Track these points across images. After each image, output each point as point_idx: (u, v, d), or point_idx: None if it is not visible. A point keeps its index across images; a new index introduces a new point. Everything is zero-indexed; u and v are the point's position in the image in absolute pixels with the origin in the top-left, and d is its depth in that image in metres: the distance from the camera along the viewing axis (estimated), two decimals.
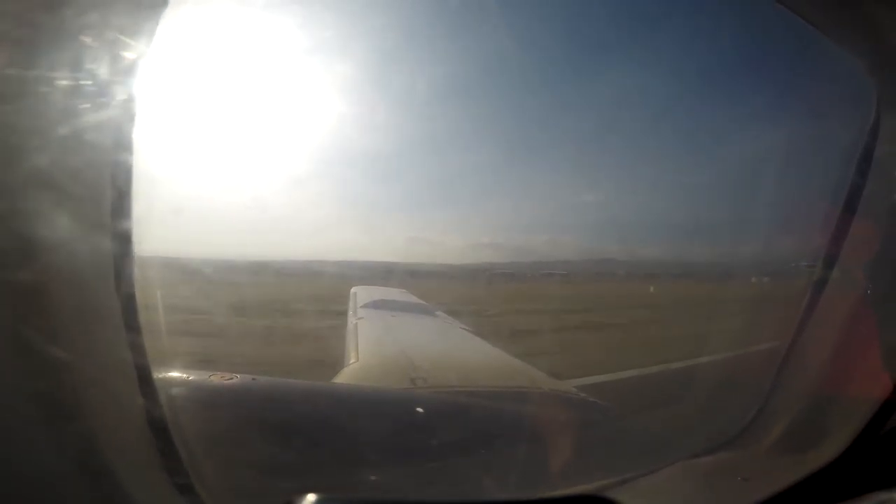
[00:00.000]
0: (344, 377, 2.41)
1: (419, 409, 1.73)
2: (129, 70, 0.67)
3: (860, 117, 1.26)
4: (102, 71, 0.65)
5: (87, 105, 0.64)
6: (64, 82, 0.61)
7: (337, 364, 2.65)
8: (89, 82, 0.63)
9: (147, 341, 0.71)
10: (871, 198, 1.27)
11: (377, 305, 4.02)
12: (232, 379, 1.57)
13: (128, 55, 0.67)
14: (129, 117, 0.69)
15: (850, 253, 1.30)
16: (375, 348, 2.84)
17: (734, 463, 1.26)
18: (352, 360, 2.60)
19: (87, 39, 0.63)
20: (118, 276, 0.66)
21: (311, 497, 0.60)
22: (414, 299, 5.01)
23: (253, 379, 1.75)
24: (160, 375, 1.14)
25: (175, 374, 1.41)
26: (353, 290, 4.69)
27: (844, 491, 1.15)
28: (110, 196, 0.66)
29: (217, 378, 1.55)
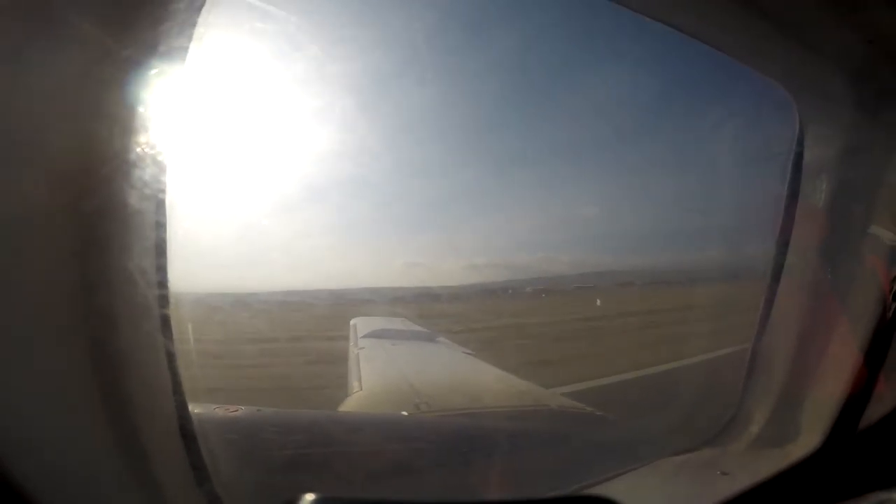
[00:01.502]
0: (348, 407, 2.45)
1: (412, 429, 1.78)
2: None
3: (788, 130, 1.44)
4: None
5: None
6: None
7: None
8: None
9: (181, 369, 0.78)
10: (807, 196, 1.40)
11: (377, 335, 4.05)
12: (237, 411, 1.63)
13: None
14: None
15: (797, 248, 1.41)
16: (378, 377, 2.87)
17: (714, 459, 1.32)
18: (356, 390, 2.64)
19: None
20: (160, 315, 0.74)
21: (310, 497, 0.60)
22: (414, 327, 5.04)
23: (258, 410, 1.81)
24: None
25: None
26: (352, 321, 4.72)
27: (828, 483, 1.21)
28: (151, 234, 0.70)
29: (221, 410, 1.61)
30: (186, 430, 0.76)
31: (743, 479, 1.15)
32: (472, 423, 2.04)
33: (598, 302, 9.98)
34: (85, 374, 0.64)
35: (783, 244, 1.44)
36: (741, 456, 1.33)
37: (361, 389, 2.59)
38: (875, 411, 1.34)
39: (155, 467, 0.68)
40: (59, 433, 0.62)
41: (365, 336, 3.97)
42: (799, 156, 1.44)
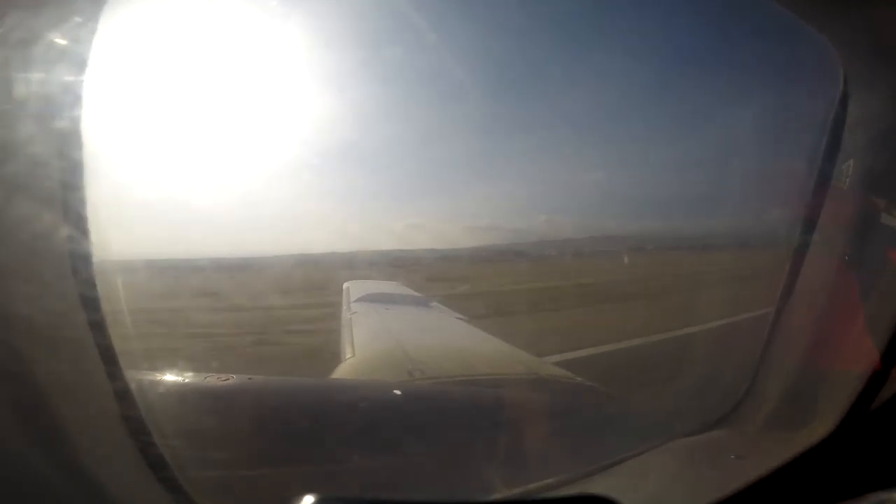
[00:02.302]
0: (341, 373, 2.41)
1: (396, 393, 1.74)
2: (80, 66, 0.65)
3: (830, 90, 1.29)
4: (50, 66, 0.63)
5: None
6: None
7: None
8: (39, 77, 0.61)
9: (120, 344, 0.70)
10: (845, 168, 1.29)
11: (371, 299, 4.00)
12: (228, 379, 1.57)
13: (77, 49, 0.64)
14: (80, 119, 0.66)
15: (828, 222, 1.32)
16: (371, 342, 2.84)
17: (727, 441, 1.27)
18: (348, 356, 2.60)
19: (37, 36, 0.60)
20: (77, 276, 0.65)
21: (309, 497, 0.59)
22: (408, 291, 5.00)
23: (249, 378, 1.74)
24: (141, 377, 1.15)
25: (165, 375, 1.41)
26: (345, 285, 4.66)
27: (843, 468, 1.16)
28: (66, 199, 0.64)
29: (213, 379, 1.55)
30: (130, 415, 0.67)
31: (758, 464, 1.09)
32: (468, 392, 2.01)
33: (604, 266, 9.95)
34: None
35: (812, 215, 1.35)
36: (755, 438, 1.28)
37: (354, 355, 2.55)
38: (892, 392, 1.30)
39: (89, 457, 0.59)
40: None
41: (357, 300, 3.92)
42: (839, 123, 1.31)
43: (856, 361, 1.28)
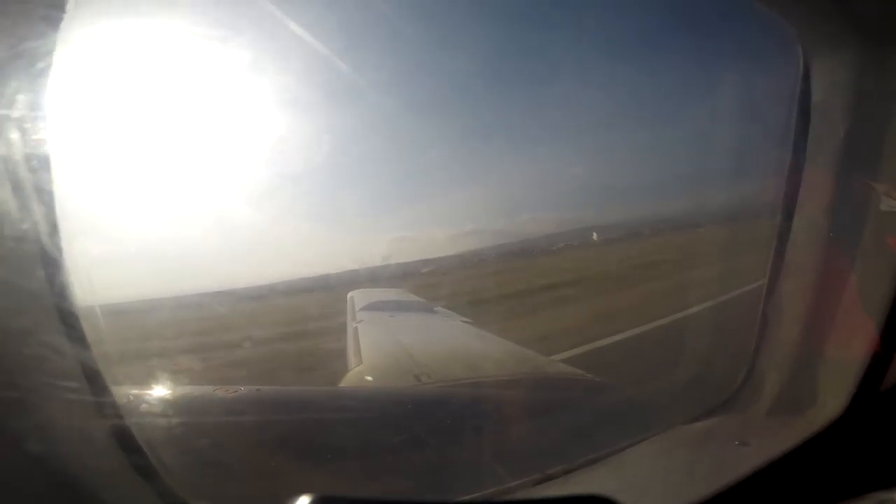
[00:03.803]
0: (348, 381, 2.42)
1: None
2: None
3: (792, 68, 1.31)
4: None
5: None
6: None
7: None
8: None
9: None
10: (818, 140, 1.29)
11: (375, 307, 4.01)
12: (237, 391, 1.59)
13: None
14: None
15: (808, 200, 1.31)
16: (377, 350, 2.85)
17: (731, 427, 1.26)
18: (355, 365, 2.61)
19: None
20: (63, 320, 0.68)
21: (308, 498, 0.59)
22: (412, 297, 5.01)
23: (258, 390, 1.76)
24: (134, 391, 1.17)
25: (168, 390, 1.43)
26: (349, 294, 4.68)
27: (851, 452, 1.14)
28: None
29: (221, 391, 1.57)
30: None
31: (763, 450, 1.09)
32: (474, 393, 2.01)
33: (590, 257, 9.97)
34: None
35: (792, 191, 1.34)
36: (759, 423, 1.27)
37: (361, 363, 2.57)
38: None
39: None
40: None
41: (363, 309, 3.93)
42: (805, 98, 1.32)
43: (855, 342, 1.27)
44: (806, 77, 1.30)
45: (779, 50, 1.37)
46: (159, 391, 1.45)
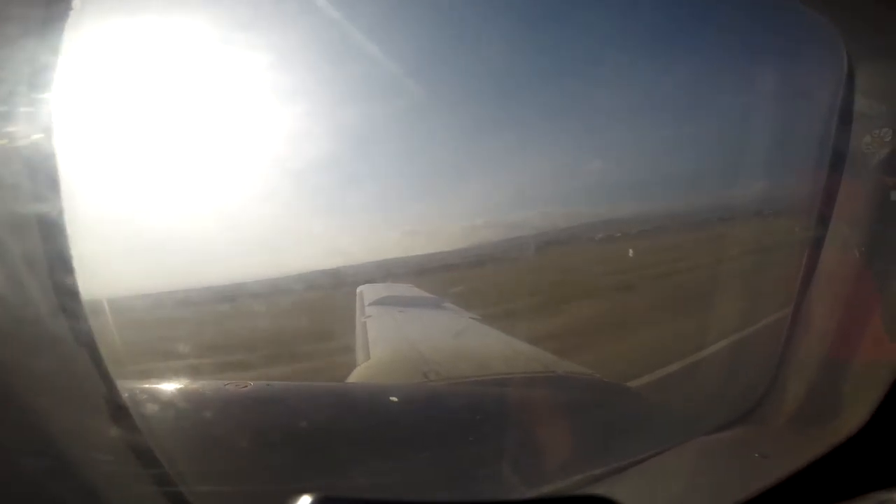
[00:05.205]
0: (356, 377, 2.42)
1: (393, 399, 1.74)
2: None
3: (834, 72, 1.26)
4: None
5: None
6: None
7: None
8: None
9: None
10: (856, 151, 1.25)
11: (384, 302, 4.01)
12: (247, 386, 1.59)
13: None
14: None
15: (843, 208, 1.27)
16: (386, 346, 2.85)
17: (751, 439, 1.24)
18: (363, 360, 2.61)
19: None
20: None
21: (308, 498, 0.59)
22: (421, 293, 5.00)
23: (268, 385, 1.76)
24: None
25: (174, 383, 1.44)
26: (359, 289, 4.68)
27: (874, 466, 1.11)
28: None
29: (232, 386, 1.57)
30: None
31: (784, 463, 1.06)
32: (483, 392, 2.00)
33: (601, 254, 9.83)
34: None
35: (826, 204, 1.30)
36: (780, 435, 1.24)
37: (369, 359, 2.57)
38: None
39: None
40: None
41: (372, 304, 3.93)
42: (846, 104, 1.27)
43: (879, 354, 1.24)
44: (849, 83, 1.25)
45: (822, 53, 1.32)
46: (169, 385, 1.45)
